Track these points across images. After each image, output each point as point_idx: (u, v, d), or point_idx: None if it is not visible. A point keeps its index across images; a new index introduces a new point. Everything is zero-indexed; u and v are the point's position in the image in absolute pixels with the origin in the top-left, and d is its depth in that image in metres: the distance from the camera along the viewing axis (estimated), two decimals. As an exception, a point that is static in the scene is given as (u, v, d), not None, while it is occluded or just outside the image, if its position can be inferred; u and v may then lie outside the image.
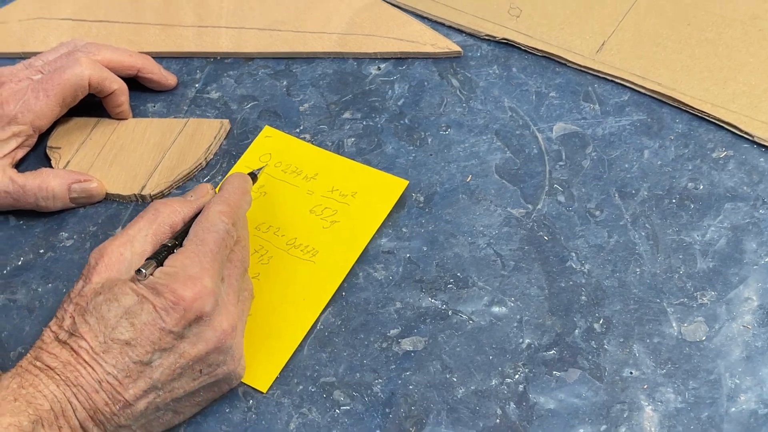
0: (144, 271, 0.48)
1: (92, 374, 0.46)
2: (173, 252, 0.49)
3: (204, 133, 0.63)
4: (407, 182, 0.59)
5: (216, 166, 0.63)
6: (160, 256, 0.49)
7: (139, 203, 0.61)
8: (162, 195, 0.61)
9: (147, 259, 0.49)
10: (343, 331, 0.54)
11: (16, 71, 0.61)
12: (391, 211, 0.58)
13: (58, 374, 0.46)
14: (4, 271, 0.59)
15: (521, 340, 0.52)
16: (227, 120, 0.64)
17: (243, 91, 0.66)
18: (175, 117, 0.65)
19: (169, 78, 0.66)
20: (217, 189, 0.56)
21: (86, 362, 0.46)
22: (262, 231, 0.58)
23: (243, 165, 0.62)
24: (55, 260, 0.59)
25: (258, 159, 0.62)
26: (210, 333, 0.47)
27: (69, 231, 0.60)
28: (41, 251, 0.60)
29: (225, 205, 0.52)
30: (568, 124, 0.61)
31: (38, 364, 0.47)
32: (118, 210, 0.61)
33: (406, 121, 0.63)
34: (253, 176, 0.59)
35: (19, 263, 0.59)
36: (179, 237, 0.51)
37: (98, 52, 0.63)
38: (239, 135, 0.64)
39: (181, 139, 0.63)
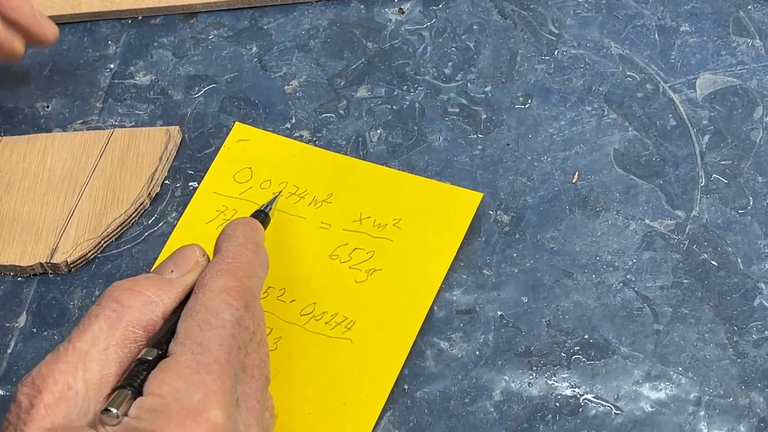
0: (114, 410, 0.41)
1: None
2: (155, 368, 0.43)
3: (142, 152, 0.56)
4: (481, 195, 0.53)
5: (165, 198, 0.55)
6: (135, 380, 0.42)
7: (49, 275, 0.54)
8: (85, 260, 0.54)
9: (116, 388, 0.42)
10: (416, 449, 0.50)
11: None
12: (461, 244, 0.52)
13: None
14: None
15: (706, 435, 0.49)
16: (176, 127, 0.57)
17: (189, 69, 0.60)
18: (85, 124, 0.59)
19: (45, 26, 0.58)
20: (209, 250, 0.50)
21: None
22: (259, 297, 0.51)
23: (208, 190, 0.55)
24: (-74, 385, 0.54)
25: (232, 178, 0.55)
26: None
27: (-60, 333, 0.56)
28: None
29: (230, 277, 0.45)
30: (717, 74, 0.56)
31: None
32: (14, 288, 0.55)
33: (456, 93, 0.58)
34: (263, 217, 0.52)
35: None
36: (161, 342, 0.44)
37: None
38: (194, 141, 0.57)
39: (105, 165, 0.56)
